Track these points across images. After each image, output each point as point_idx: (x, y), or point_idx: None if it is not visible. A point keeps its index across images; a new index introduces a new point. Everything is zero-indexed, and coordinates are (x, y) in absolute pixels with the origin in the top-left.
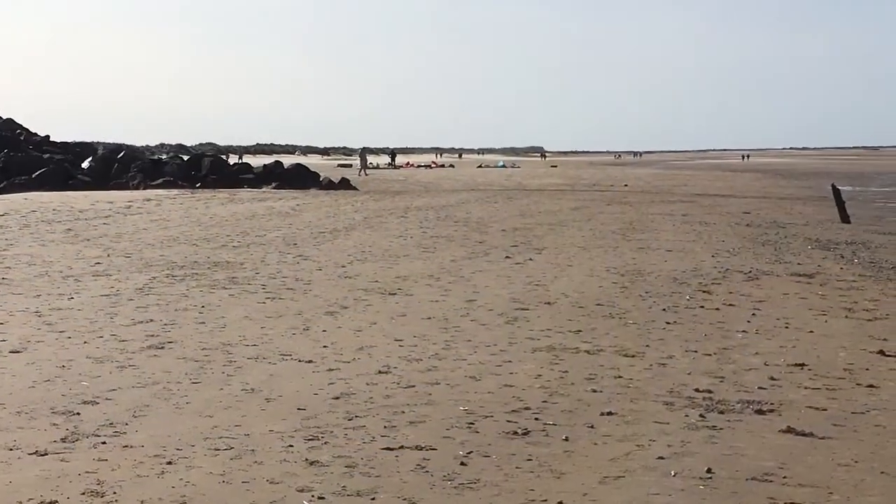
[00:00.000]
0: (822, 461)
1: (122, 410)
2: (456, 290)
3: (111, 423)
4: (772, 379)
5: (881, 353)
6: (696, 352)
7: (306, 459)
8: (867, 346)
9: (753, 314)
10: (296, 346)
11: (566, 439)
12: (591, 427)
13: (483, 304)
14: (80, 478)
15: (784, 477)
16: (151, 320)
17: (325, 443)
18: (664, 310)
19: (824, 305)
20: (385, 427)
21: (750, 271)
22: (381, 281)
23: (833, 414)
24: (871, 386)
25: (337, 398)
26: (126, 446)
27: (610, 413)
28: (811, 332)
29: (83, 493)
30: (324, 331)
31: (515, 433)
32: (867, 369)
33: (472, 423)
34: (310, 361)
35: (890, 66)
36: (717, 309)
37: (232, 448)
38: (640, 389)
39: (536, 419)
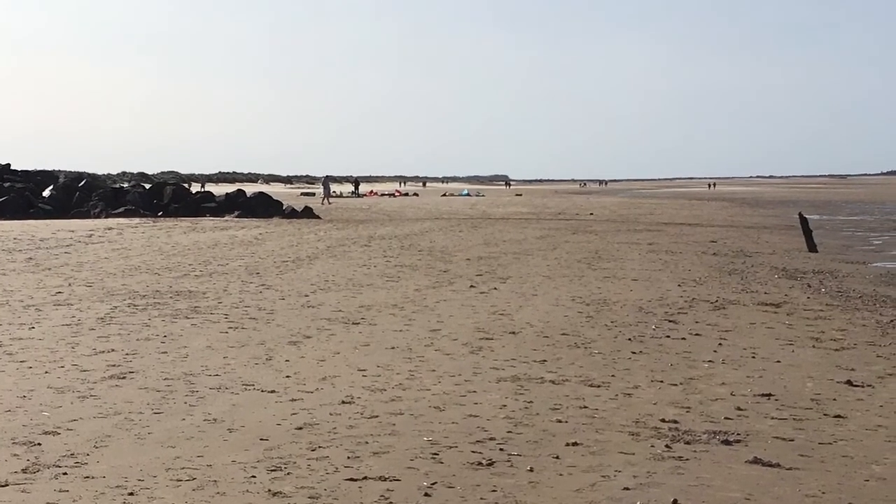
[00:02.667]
0: (790, 492)
1: (83, 441)
2: (420, 319)
3: (72, 454)
4: (738, 409)
5: (848, 383)
6: (662, 382)
7: (269, 490)
8: (834, 377)
9: (720, 344)
10: (258, 375)
11: (531, 470)
12: (557, 458)
13: (447, 333)
14: None
15: None
16: (113, 350)
17: (288, 473)
18: (630, 339)
19: (791, 335)
20: (348, 457)
21: (716, 301)
22: (345, 310)
23: (800, 444)
24: (838, 416)
25: (300, 428)
26: (87, 477)
27: (575, 443)
28: (778, 361)
29: None
30: (287, 360)
31: (480, 464)
32: (834, 399)
33: (437, 454)
34: (273, 391)
35: (857, 94)
36: (684, 339)
37: (194, 479)
38: (606, 420)
39: (501, 449)
